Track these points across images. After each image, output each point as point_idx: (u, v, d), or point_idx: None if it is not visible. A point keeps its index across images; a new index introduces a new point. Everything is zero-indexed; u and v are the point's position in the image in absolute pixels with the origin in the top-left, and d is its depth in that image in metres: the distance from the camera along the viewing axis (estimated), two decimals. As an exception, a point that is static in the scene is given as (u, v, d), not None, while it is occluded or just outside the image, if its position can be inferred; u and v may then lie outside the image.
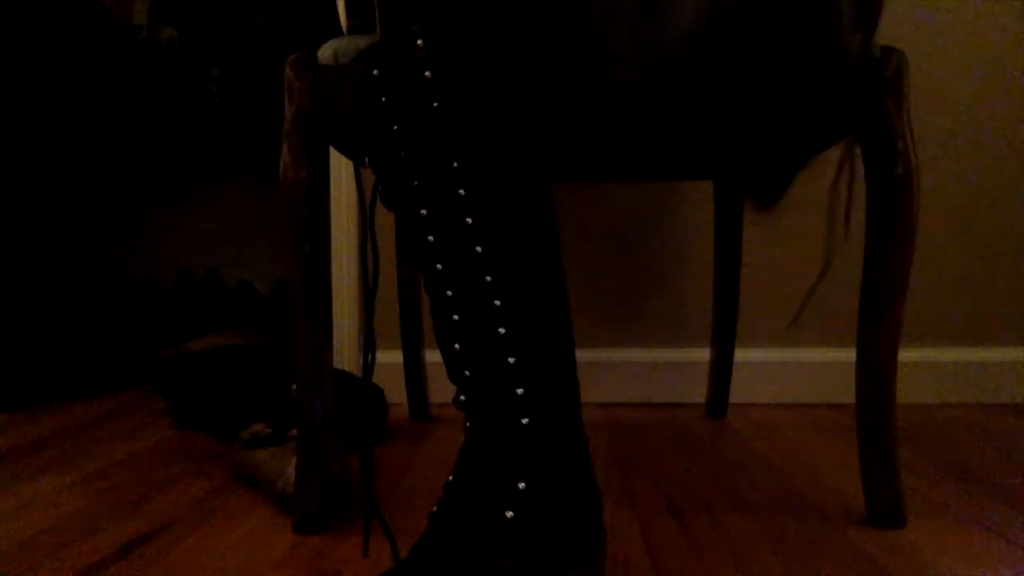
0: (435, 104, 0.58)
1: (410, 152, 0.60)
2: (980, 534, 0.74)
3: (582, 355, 1.38)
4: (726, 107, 0.73)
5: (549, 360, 0.60)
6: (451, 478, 0.59)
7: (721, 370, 1.27)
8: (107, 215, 2.08)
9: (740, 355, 1.37)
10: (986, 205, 1.38)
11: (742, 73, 0.72)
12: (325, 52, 0.77)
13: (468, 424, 0.60)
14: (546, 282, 0.61)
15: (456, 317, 0.60)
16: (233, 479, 0.95)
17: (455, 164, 0.58)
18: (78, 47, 1.79)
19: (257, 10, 1.84)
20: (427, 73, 0.58)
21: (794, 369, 1.38)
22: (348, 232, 1.40)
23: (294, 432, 0.88)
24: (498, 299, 0.59)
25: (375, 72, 0.60)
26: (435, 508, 0.58)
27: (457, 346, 0.60)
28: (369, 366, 0.65)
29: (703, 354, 1.38)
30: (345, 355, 1.41)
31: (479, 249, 0.59)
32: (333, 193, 1.39)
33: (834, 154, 0.84)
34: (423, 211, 0.60)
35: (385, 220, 1.38)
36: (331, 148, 0.82)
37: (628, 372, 1.39)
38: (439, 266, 0.60)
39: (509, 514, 0.55)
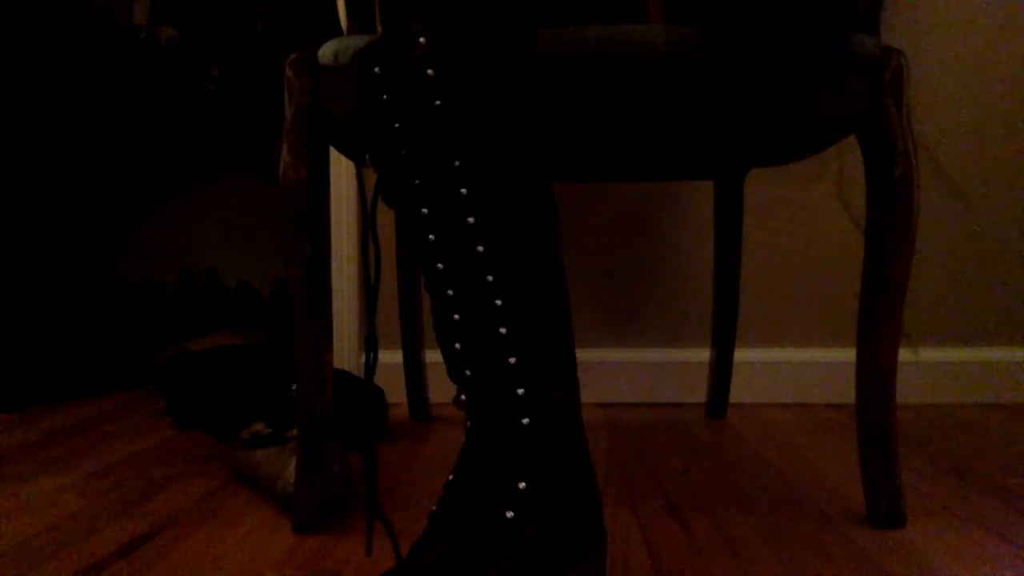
0: (437, 102, 0.58)
1: (411, 150, 0.59)
2: (980, 534, 0.74)
3: (582, 355, 1.38)
4: (727, 108, 0.73)
5: (550, 360, 0.60)
6: (451, 478, 0.59)
7: (721, 370, 1.27)
8: (107, 215, 2.08)
9: (740, 355, 1.37)
10: (986, 205, 1.38)
11: (744, 75, 0.72)
12: (325, 52, 0.77)
13: (468, 424, 0.60)
14: (547, 282, 0.61)
15: (457, 317, 0.60)
16: (233, 479, 0.95)
17: (457, 163, 0.58)
18: (78, 47, 1.79)
19: (257, 10, 1.84)
20: (429, 71, 0.58)
21: (794, 369, 1.38)
22: (348, 232, 1.40)
23: (294, 432, 0.88)
24: (499, 299, 0.58)
25: (376, 70, 0.60)
26: (435, 508, 0.58)
27: (458, 346, 0.60)
28: (371, 366, 0.65)
29: (703, 354, 1.38)
30: (345, 355, 1.41)
31: (480, 249, 0.59)
32: (333, 193, 1.39)
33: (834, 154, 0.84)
34: (424, 210, 0.60)
35: (385, 220, 1.38)
36: (331, 148, 0.82)
37: (628, 372, 1.39)
38: (440, 265, 0.60)
39: (509, 514, 0.55)
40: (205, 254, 2.08)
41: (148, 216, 2.10)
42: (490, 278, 0.58)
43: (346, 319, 1.41)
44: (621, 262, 1.41)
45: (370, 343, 0.66)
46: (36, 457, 1.06)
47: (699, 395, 1.38)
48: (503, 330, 0.58)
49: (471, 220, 0.58)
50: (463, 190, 0.58)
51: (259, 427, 0.93)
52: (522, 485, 0.56)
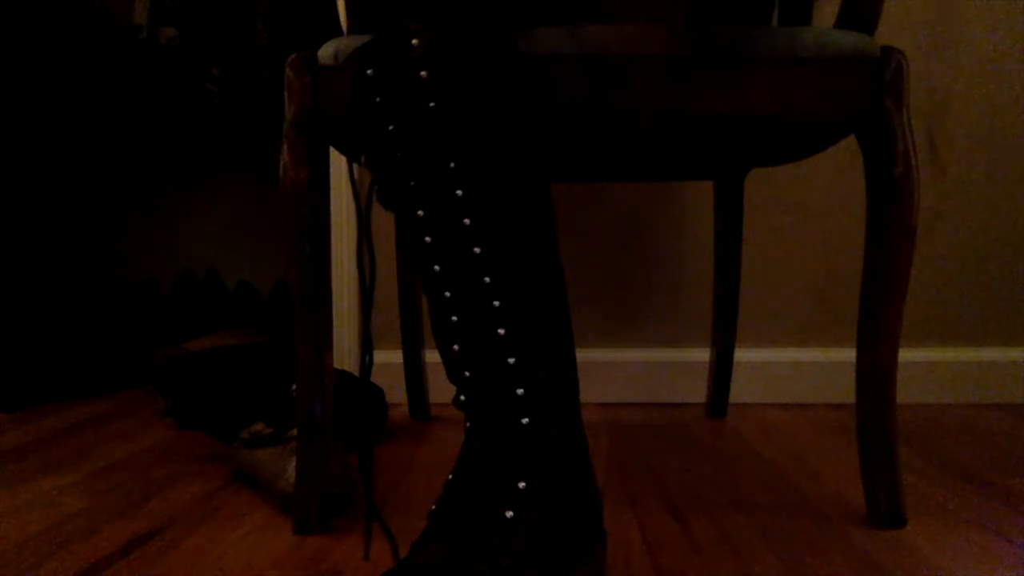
0: (431, 104, 0.58)
1: (406, 152, 0.59)
2: (980, 534, 0.74)
3: (582, 355, 1.38)
4: (725, 108, 0.73)
5: (549, 360, 0.60)
6: (451, 477, 0.59)
7: (721, 370, 1.27)
8: (107, 215, 2.08)
9: (740, 355, 1.37)
10: (986, 205, 1.38)
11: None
12: (325, 52, 0.77)
13: (468, 424, 0.60)
14: (545, 282, 0.61)
15: (455, 318, 0.60)
16: (233, 479, 0.95)
17: (452, 164, 0.58)
18: (78, 47, 1.79)
19: (257, 10, 1.84)
20: (423, 73, 0.58)
21: (794, 369, 1.38)
22: (348, 232, 1.40)
23: (294, 432, 0.88)
24: (497, 300, 0.58)
25: (369, 72, 0.60)
26: (435, 507, 0.58)
27: (456, 347, 0.60)
28: (367, 366, 0.65)
29: (703, 354, 1.38)
30: (345, 355, 1.41)
31: (477, 250, 0.58)
32: (333, 193, 1.38)
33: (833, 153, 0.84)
34: (420, 212, 0.60)
35: (386, 220, 1.38)
36: (331, 148, 0.82)
37: (628, 372, 1.39)
38: (437, 267, 0.60)
39: (509, 514, 0.55)
40: (205, 254, 2.08)
41: (148, 216, 2.10)
42: (487, 279, 0.58)
43: (346, 319, 1.41)
44: (621, 262, 1.41)
45: (366, 345, 0.66)
46: (36, 457, 1.06)
47: (699, 395, 1.38)
48: (501, 331, 0.58)
49: (467, 221, 0.58)
50: (458, 191, 0.58)
51: (259, 427, 0.93)
52: (522, 485, 0.56)
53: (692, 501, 0.85)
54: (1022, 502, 0.83)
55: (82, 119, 1.86)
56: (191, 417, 1.23)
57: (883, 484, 0.76)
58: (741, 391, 1.37)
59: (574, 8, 0.74)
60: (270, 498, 0.86)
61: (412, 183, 0.60)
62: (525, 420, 0.58)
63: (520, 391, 0.58)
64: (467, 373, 0.60)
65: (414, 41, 0.58)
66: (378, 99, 0.59)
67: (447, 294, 0.60)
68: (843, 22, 0.78)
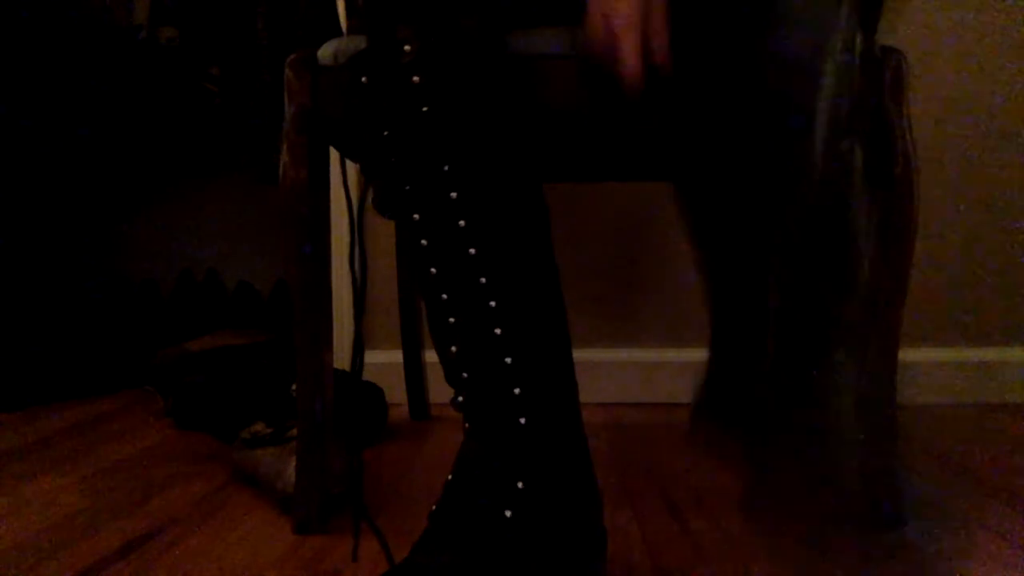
0: (424, 109, 0.58)
1: (401, 157, 0.59)
2: (980, 534, 0.74)
3: (582, 355, 1.38)
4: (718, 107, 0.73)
5: (546, 360, 0.60)
6: (450, 478, 0.59)
7: (721, 370, 1.27)
8: (107, 215, 2.08)
9: (740, 355, 1.37)
10: (986, 205, 1.38)
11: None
12: (325, 52, 0.77)
13: (467, 425, 0.60)
14: (541, 282, 0.61)
15: (452, 320, 0.60)
16: (233, 479, 0.95)
17: (446, 168, 0.58)
18: (78, 47, 1.79)
19: (257, 10, 1.84)
20: (415, 78, 0.58)
21: (794, 369, 1.37)
22: (348, 232, 1.40)
23: (294, 432, 0.88)
24: (493, 300, 0.58)
25: (363, 79, 0.60)
26: (435, 507, 0.58)
27: (454, 348, 0.60)
28: (358, 370, 0.65)
29: (703, 354, 1.38)
30: (345, 355, 1.41)
31: (473, 252, 0.58)
32: (333, 193, 1.38)
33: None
34: (416, 215, 0.60)
35: (386, 220, 1.38)
36: (331, 148, 0.82)
37: (628, 372, 1.39)
38: (433, 270, 0.60)
39: (508, 514, 0.55)
40: (205, 254, 2.08)
41: (148, 216, 2.10)
42: (483, 280, 0.58)
43: (346, 319, 1.41)
44: (621, 262, 1.41)
45: (357, 347, 0.66)
46: (36, 457, 1.06)
47: (699, 395, 1.38)
48: (498, 331, 0.58)
49: (462, 224, 0.58)
50: (453, 194, 0.58)
51: (259, 427, 0.93)
52: (521, 485, 0.56)
53: (692, 501, 0.85)
54: (1022, 502, 0.83)
55: (82, 119, 1.85)
56: (191, 417, 1.23)
57: (883, 484, 0.76)
58: (741, 391, 1.37)
59: (574, 9, 0.74)
60: (270, 498, 0.86)
61: (407, 187, 0.60)
62: (523, 420, 0.58)
63: (517, 391, 0.58)
64: (465, 374, 0.60)
65: (406, 47, 0.58)
66: (373, 105, 0.60)
67: (444, 296, 0.60)
68: (843, 22, 0.78)
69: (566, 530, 0.57)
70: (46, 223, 1.84)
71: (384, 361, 1.40)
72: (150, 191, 2.08)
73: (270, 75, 1.83)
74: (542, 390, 0.59)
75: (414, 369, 1.27)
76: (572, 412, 0.62)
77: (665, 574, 0.66)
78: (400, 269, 1.24)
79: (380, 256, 1.40)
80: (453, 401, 0.62)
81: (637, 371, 1.39)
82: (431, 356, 1.33)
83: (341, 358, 1.41)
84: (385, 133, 0.59)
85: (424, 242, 0.60)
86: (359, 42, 0.77)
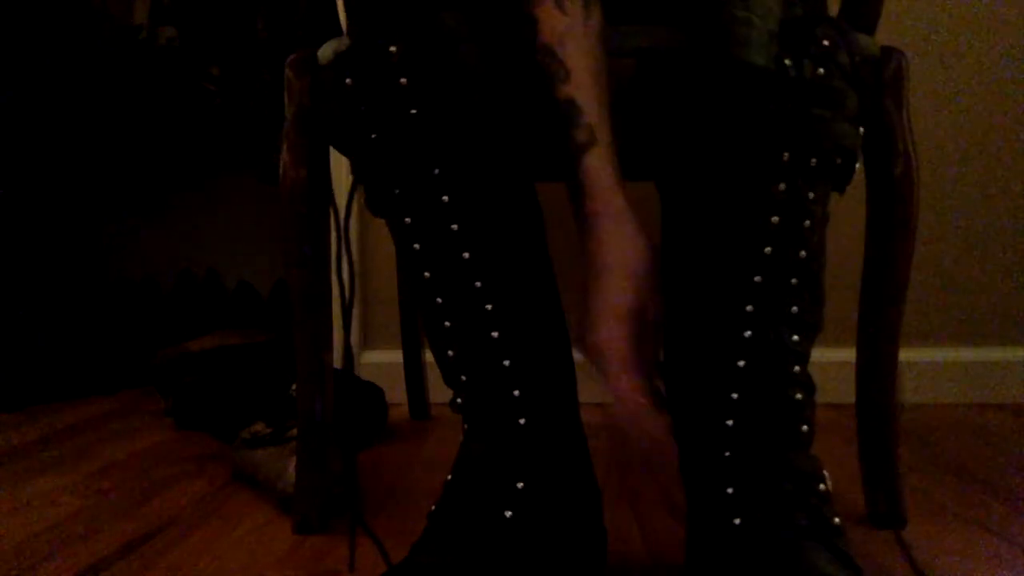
0: (412, 111, 0.57)
1: (390, 160, 0.59)
2: (980, 534, 0.74)
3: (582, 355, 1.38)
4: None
5: (544, 360, 0.60)
6: (450, 478, 0.58)
7: (721, 370, 1.27)
8: (108, 215, 2.08)
9: (740, 355, 1.37)
10: (986, 205, 1.38)
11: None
12: (325, 52, 0.77)
13: (466, 426, 0.60)
14: (536, 283, 0.60)
15: (448, 324, 0.60)
16: (233, 479, 0.95)
17: (436, 171, 0.58)
18: (78, 47, 1.79)
19: (257, 10, 1.84)
20: (402, 80, 0.57)
21: (794, 369, 1.37)
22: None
23: (294, 432, 0.88)
24: (489, 303, 0.58)
25: (348, 82, 0.59)
26: (434, 508, 0.58)
27: (451, 352, 0.60)
28: (346, 375, 0.65)
29: (703, 354, 1.38)
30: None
31: (466, 255, 0.58)
32: (333, 193, 1.38)
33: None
34: (407, 219, 0.59)
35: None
36: (331, 148, 0.82)
37: (628, 372, 1.39)
38: (427, 273, 0.60)
39: (508, 514, 0.55)
40: (205, 254, 2.08)
41: (148, 216, 2.10)
42: (478, 283, 0.58)
43: (346, 319, 1.41)
44: (621, 262, 1.41)
45: (347, 357, 0.66)
46: (36, 457, 1.06)
47: (699, 395, 1.38)
48: (495, 334, 0.58)
49: (455, 227, 0.58)
50: (444, 197, 0.58)
51: (259, 427, 0.93)
52: (520, 485, 0.56)
53: (692, 501, 0.85)
54: (1022, 502, 0.83)
55: (82, 119, 1.85)
56: (191, 417, 1.23)
57: (883, 484, 0.76)
58: (741, 391, 1.37)
59: None
60: (270, 498, 0.86)
61: (397, 191, 0.59)
62: (523, 421, 0.57)
63: (516, 392, 0.58)
64: (463, 377, 0.60)
65: (391, 48, 0.57)
66: (361, 109, 0.59)
67: (439, 300, 0.59)
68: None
69: (566, 530, 0.57)
70: (46, 223, 1.84)
71: (384, 361, 1.40)
72: (150, 191, 2.08)
73: (270, 75, 1.83)
74: (541, 391, 0.59)
75: (414, 369, 1.27)
76: (571, 412, 0.62)
77: (665, 574, 0.66)
78: (400, 268, 1.24)
79: (380, 255, 1.40)
80: (452, 403, 0.62)
81: (637, 371, 1.39)
82: (431, 356, 1.33)
83: (341, 358, 1.41)
84: (373, 136, 0.59)
85: (417, 246, 0.60)
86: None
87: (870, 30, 0.76)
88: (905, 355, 1.34)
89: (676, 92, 0.62)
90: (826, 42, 0.57)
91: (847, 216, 1.40)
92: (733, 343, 0.56)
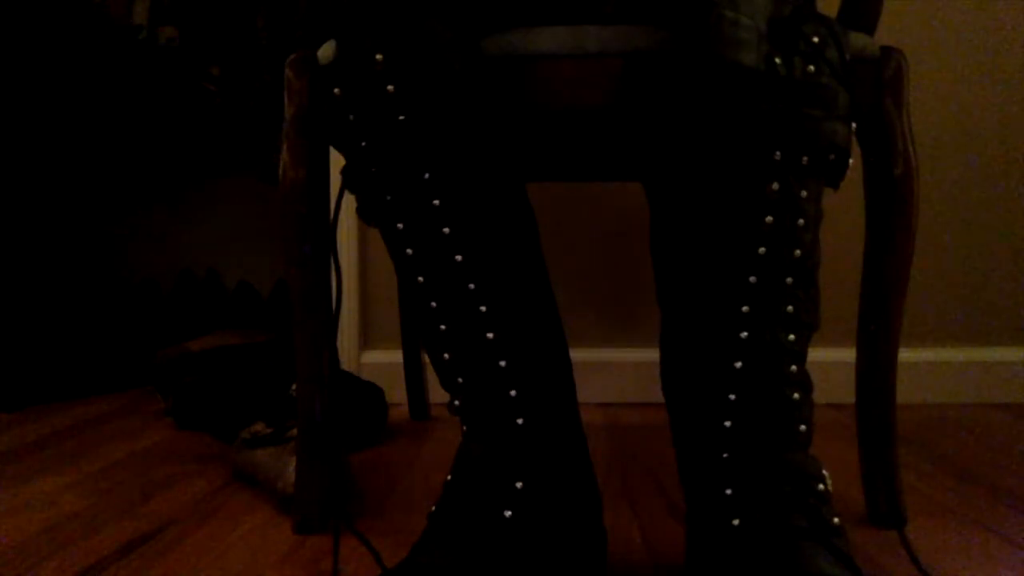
0: (401, 118, 0.58)
1: (380, 167, 0.59)
2: (980, 534, 0.74)
3: (581, 355, 1.38)
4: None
5: (541, 360, 0.60)
6: (449, 478, 0.59)
7: (721, 370, 1.27)
8: (107, 215, 2.08)
9: (740, 355, 1.37)
10: (986, 205, 1.38)
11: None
12: (325, 52, 0.77)
13: (464, 428, 0.60)
14: (530, 284, 0.61)
15: (443, 327, 0.60)
16: (233, 479, 0.95)
17: (427, 175, 0.58)
18: (78, 47, 1.79)
19: (257, 10, 1.84)
20: (389, 87, 0.58)
21: (794, 369, 1.37)
22: (348, 232, 1.40)
23: (294, 432, 0.88)
24: (483, 305, 0.58)
25: (336, 91, 0.60)
26: (434, 508, 0.58)
27: (447, 355, 0.60)
28: (346, 375, 0.65)
29: (703, 354, 1.38)
30: (345, 355, 1.41)
31: (459, 258, 0.58)
32: (333, 193, 1.38)
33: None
34: (399, 225, 0.60)
35: (385, 220, 1.38)
36: (331, 148, 0.82)
37: (628, 372, 1.39)
38: (420, 278, 0.60)
39: (508, 514, 0.55)
40: (205, 254, 2.08)
41: (148, 216, 2.10)
42: (472, 286, 0.58)
43: (346, 319, 1.41)
44: (621, 262, 1.41)
45: (332, 362, 0.66)
46: (36, 457, 1.06)
47: (699, 395, 1.38)
48: (490, 336, 0.58)
49: (446, 231, 0.58)
50: (435, 202, 0.58)
51: (259, 427, 0.93)
52: (520, 485, 0.56)
53: (692, 501, 0.85)
54: (1022, 502, 0.83)
55: (82, 119, 1.86)
56: (191, 417, 1.23)
57: (883, 484, 0.76)
58: (741, 391, 1.37)
59: (573, 8, 0.74)
60: (270, 498, 0.86)
61: (389, 197, 0.60)
62: (520, 420, 0.58)
63: (513, 393, 0.58)
64: (460, 379, 0.60)
65: (377, 56, 0.58)
66: (350, 117, 0.59)
67: (433, 304, 0.60)
68: (842, 21, 0.78)
69: (566, 530, 0.57)
70: (46, 223, 1.84)
71: (384, 361, 1.40)
72: (150, 191, 2.08)
73: (270, 75, 1.83)
74: (538, 391, 0.59)
75: (414, 369, 1.27)
76: (570, 411, 0.62)
77: (665, 574, 0.66)
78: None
79: (380, 255, 1.40)
80: (449, 405, 0.62)
81: (637, 371, 1.39)
82: (431, 356, 1.33)
83: (341, 358, 1.41)
84: (363, 144, 0.59)
85: (409, 251, 0.60)
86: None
87: (870, 30, 0.76)
88: (905, 355, 1.35)
89: (665, 93, 0.62)
90: (816, 39, 0.57)
91: (846, 216, 1.40)
92: (729, 344, 0.56)
